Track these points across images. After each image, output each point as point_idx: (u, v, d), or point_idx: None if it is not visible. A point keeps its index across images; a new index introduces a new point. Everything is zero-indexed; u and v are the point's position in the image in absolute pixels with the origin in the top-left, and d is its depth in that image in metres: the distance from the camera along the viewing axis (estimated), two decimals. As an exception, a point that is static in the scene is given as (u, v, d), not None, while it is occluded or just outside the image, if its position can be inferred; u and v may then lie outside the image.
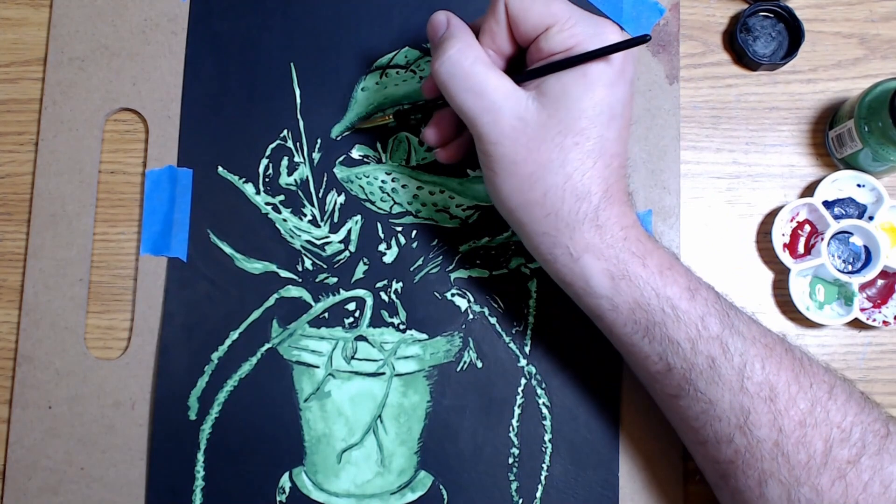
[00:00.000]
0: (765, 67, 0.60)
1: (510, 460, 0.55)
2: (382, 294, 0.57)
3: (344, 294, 0.57)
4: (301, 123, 0.58)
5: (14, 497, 0.55)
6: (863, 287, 0.57)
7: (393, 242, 0.57)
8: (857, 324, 0.57)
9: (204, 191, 0.57)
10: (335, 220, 0.57)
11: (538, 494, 0.55)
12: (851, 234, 0.58)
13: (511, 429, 0.55)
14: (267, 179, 0.57)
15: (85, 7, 0.59)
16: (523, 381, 0.56)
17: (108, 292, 0.57)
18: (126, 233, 0.58)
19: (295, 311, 0.56)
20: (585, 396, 0.55)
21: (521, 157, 0.46)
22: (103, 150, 0.58)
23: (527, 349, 0.56)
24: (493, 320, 0.56)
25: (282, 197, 0.57)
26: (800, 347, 0.48)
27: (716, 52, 0.60)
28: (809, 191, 0.59)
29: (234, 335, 0.56)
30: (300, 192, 0.57)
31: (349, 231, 0.57)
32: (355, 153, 0.58)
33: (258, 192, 0.57)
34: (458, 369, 0.56)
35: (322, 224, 0.57)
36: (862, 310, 0.57)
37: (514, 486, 0.55)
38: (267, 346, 0.56)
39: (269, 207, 0.57)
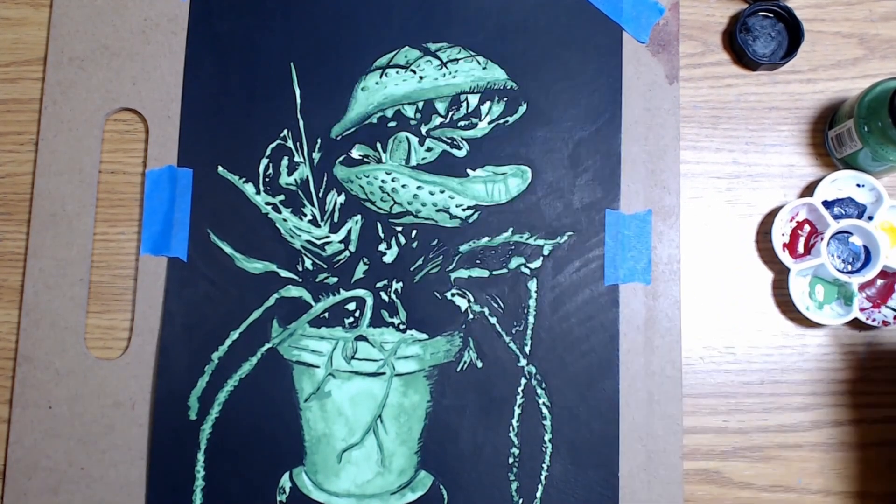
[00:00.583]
0: (764, 67, 0.60)
1: (510, 460, 0.55)
2: (382, 294, 0.57)
3: (344, 294, 0.57)
4: (301, 123, 0.58)
5: (14, 497, 0.54)
6: (862, 287, 0.57)
7: (393, 242, 0.57)
8: (856, 324, 0.57)
9: (204, 191, 0.57)
10: (335, 219, 0.57)
11: (538, 494, 0.55)
12: (851, 233, 0.58)
13: (511, 429, 0.55)
14: (267, 179, 0.57)
15: (85, 7, 0.59)
16: (523, 380, 0.56)
17: (109, 292, 0.57)
18: (126, 233, 0.58)
19: (295, 311, 0.56)
20: (585, 396, 0.55)
21: None
22: (103, 150, 0.58)
23: (527, 349, 0.56)
24: (493, 320, 0.56)
25: (282, 197, 0.57)
26: None
27: (715, 52, 0.60)
28: (809, 191, 0.59)
29: (235, 335, 0.56)
30: (300, 192, 0.57)
31: (349, 231, 0.57)
32: (355, 153, 0.58)
33: (258, 192, 0.57)
34: (458, 369, 0.56)
35: (322, 224, 0.57)
36: (861, 309, 0.57)
37: (514, 485, 0.55)
38: (267, 345, 0.56)
39: (269, 207, 0.57)
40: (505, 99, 0.58)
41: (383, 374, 0.56)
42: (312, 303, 0.56)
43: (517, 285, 0.57)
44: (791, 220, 0.58)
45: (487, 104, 0.58)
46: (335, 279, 0.57)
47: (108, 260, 0.58)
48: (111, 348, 0.57)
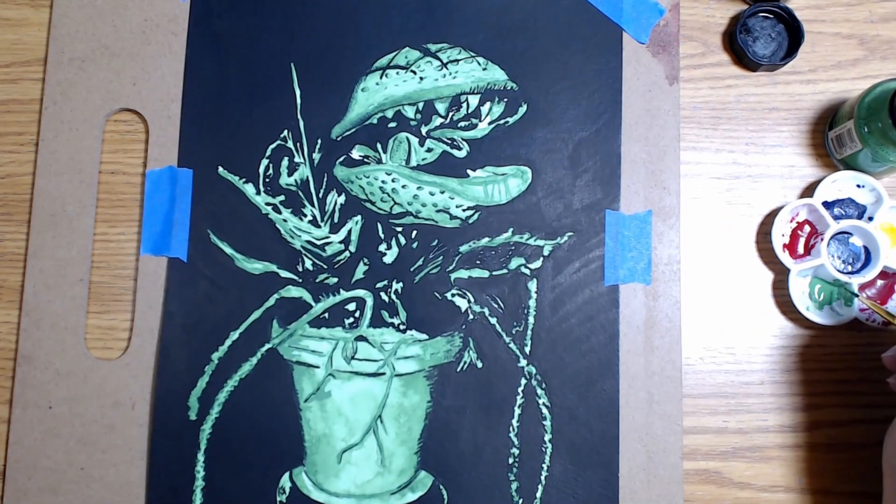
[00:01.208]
0: (764, 68, 0.60)
1: (510, 460, 0.55)
2: (383, 294, 0.57)
3: (344, 294, 0.57)
4: (301, 124, 0.58)
5: (14, 497, 0.54)
6: (862, 287, 0.57)
7: (393, 243, 0.57)
8: (856, 324, 0.57)
9: (204, 191, 0.57)
10: (335, 220, 0.57)
11: (538, 494, 0.55)
12: (851, 234, 0.58)
13: (511, 429, 0.55)
14: (267, 180, 0.57)
15: (85, 7, 0.59)
16: (523, 381, 0.56)
17: (109, 292, 0.57)
18: (126, 233, 0.58)
19: (295, 312, 0.56)
20: (585, 396, 0.56)
21: None
22: (103, 151, 0.58)
23: (527, 349, 0.56)
24: (493, 320, 0.56)
25: (282, 197, 0.57)
26: None
27: (716, 52, 0.60)
28: (809, 191, 0.59)
29: (235, 335, 0.56)
30: (300, 193, 0.57)
31: (349, 231, 0.57)
32: (355, 153, 0.58)
33: (258, 193, 0.57)
34: (459, 369, 0.56)
35: (322, 224, 0.57)
36: (861, 310, 0.57)
37: (514, 486, 0.55)
38: (267, 346, 0.56)
39: (269, 208, 0.57)
40: (505, 99, 0.58)
41: (383, 374, 0.56)
42: (312, 303, 0.56)
43: (517, 286, 0.57)
44: (791, 221, 0.58)
45: (487, 105, 0.58)
46: (335, 279, 0.57)
47: (108, 260, 0.58)
48: (111, 348, 0.57)
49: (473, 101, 0.58)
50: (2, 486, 0.55)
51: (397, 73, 0.58)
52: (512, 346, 0.56)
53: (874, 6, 0.61)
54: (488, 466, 0.55)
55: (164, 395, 0.55)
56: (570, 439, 0.55)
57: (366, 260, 0.57)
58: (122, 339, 0.57)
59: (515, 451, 0.55)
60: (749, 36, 0.60)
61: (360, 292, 0.57)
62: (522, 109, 0.58)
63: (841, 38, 0.61)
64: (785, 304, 0.58)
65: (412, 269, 0.57)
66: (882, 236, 0.57)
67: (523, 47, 0.59)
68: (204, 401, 0.55)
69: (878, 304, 0.56)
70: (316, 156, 0.58)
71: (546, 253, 0.57)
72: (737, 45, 0.59)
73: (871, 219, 0.58)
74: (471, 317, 0.57)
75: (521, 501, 0.55)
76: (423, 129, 0.58)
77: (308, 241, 0.57)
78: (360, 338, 0.56)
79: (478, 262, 0.57)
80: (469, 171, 0.58)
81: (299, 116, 0.58)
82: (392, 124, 0.58)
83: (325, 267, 0.57)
